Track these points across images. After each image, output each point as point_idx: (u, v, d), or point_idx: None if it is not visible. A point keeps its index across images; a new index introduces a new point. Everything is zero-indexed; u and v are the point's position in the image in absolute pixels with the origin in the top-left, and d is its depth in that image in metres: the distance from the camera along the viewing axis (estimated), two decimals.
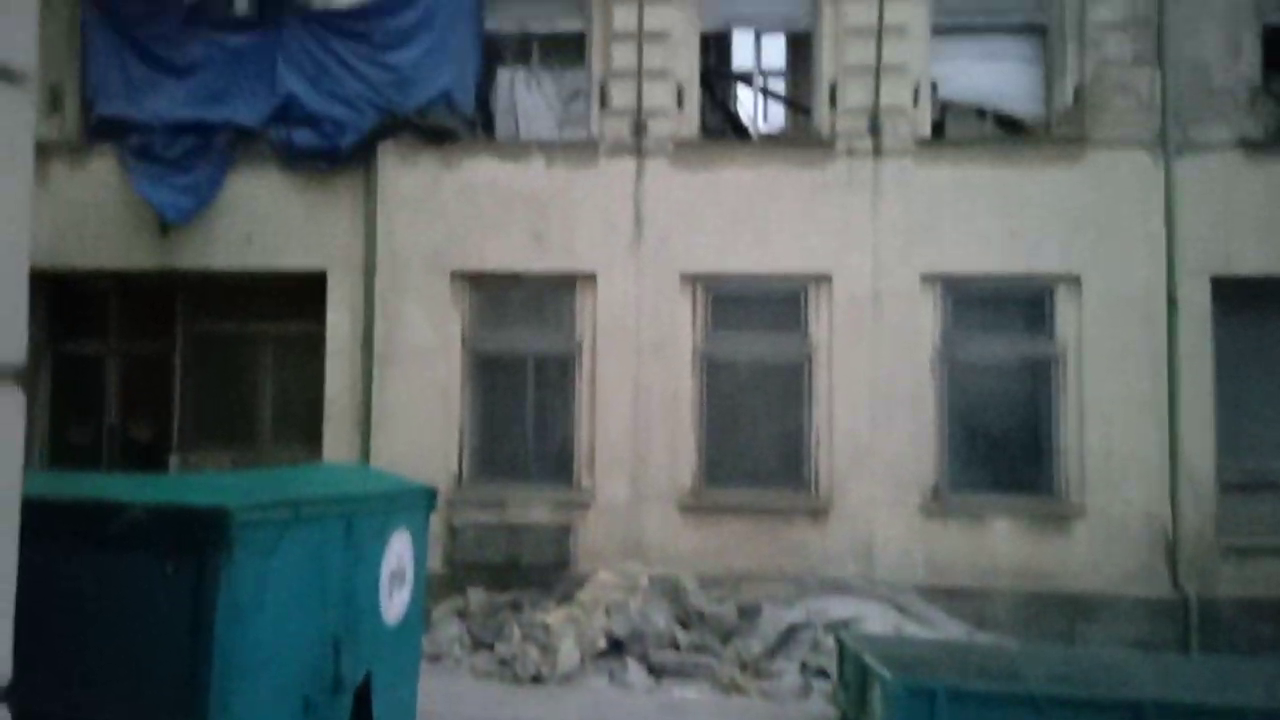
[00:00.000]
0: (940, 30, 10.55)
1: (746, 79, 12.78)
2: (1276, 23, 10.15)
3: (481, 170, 10.68)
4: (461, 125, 10.67)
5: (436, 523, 8.07)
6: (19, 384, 1.75)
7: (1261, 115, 10.10)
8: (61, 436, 11.22)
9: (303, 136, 10.39)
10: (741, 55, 12.86)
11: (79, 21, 10.43)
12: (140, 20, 10.61)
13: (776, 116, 13.37)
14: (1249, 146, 10.00)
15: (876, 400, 10.19)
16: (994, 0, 10.63)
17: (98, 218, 10.41)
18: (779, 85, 13.05)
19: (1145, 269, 10.05)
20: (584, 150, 10.69)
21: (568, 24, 10.98)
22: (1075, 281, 10.14)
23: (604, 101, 10.66)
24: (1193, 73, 10.02)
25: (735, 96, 13.10)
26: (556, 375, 10.71)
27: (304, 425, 10.73)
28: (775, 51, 12.82)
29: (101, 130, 10.60)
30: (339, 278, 10.60)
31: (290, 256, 10.59)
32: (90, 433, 11.28)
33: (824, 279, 10.39)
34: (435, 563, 9.59)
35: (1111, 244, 10.09)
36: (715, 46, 12.21)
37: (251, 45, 10.54)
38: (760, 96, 12.35)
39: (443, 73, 10.46)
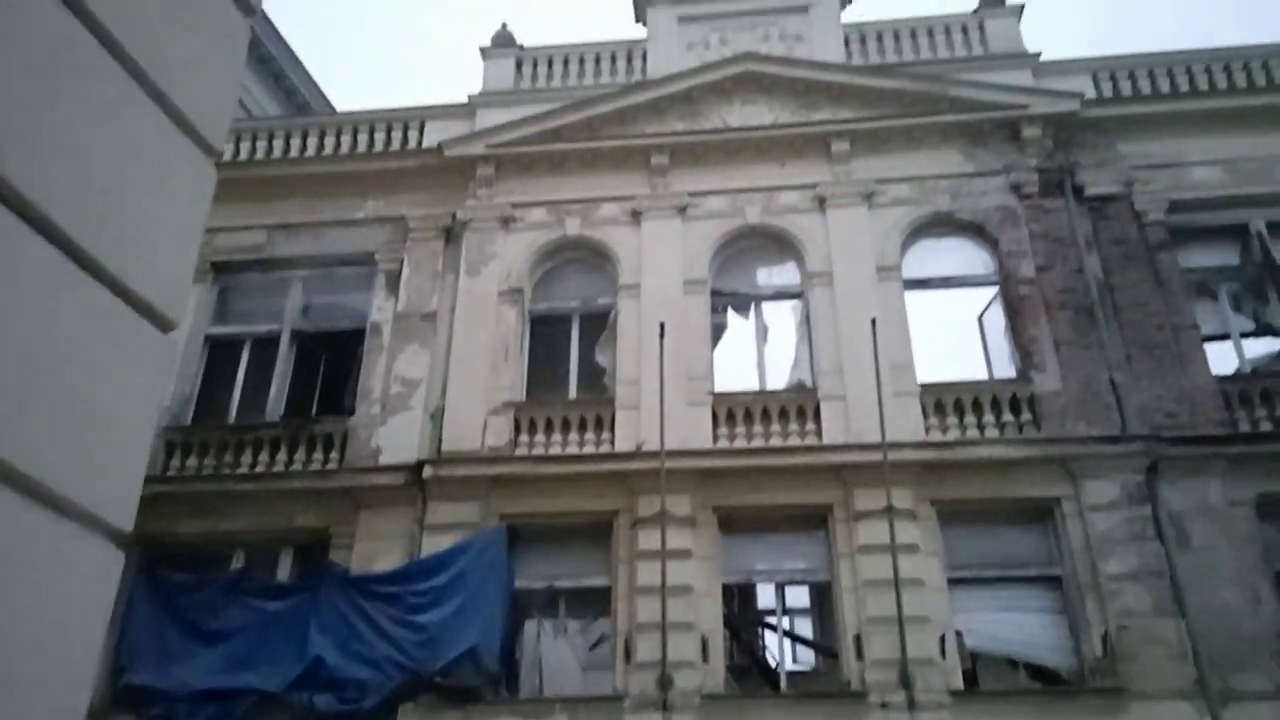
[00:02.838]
0: (957, 582, 10.76)
1: (771, 620, 12.84)
2: None
3: None
4: (485, 683, 10.52)
5: None
6: (121, 547, 1.98)
7: None
8: None
9: (324, 701, 10.22)
10: (765, 597, 13.06)
11: (126, 593, 10.82)
12: (187, 588, 11.08)
13: (804, 654, 13.24)
14: None
15: None
16: (1004, 555, 10.95)
17: None
18: (805, 623, 13.09)
19: None
20: (608, 708, 10.40)
21: (593, 580, 11.34)
22: None
23: (628, 655, 10.57)
24: (1219, 621, 9.93)
25: (761, 639, 13.08)
26: None
27: None
28: (799, 593, 13.05)
29: (125, 699, 10.51)
30: None
31: None
32: None
33: None
34: None
35: None
36: (739, 591, 12.44)
37: (288, 610, 10.84)
38: (786, 639, 12.31)
39: (470, 631, 10.56)
